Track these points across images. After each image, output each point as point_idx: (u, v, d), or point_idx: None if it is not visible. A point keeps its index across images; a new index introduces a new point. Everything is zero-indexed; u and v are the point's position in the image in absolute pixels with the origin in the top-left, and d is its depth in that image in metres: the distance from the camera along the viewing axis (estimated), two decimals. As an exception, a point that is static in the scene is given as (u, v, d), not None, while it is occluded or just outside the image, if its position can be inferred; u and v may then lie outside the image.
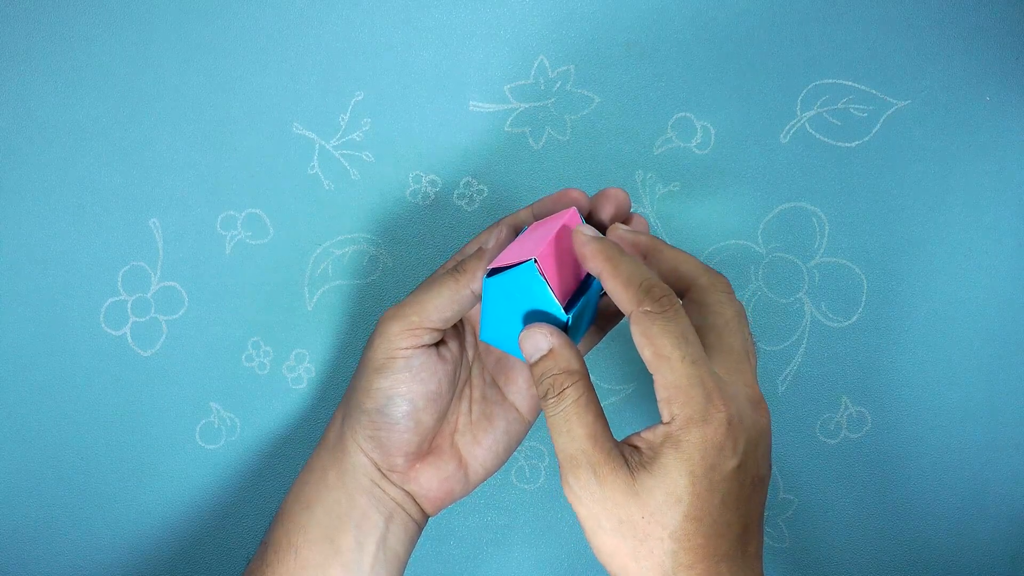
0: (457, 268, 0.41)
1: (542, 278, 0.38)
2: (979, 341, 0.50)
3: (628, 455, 0.35)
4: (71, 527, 0.49)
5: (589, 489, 0.35)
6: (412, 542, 0.43)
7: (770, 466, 0.37)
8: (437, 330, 0.41)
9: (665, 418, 0.34)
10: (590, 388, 0.37)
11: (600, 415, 0.36)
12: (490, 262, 0.40)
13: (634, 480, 0.34)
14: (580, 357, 0.37)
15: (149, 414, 0.49)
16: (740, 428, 0.34)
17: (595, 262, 0.37)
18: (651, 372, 0.35)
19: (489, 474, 0.44)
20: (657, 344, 0.34)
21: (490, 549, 0.50)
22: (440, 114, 0.48)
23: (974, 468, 0.50)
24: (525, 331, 0.38)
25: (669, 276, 0.39)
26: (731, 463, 0.34)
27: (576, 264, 0.41)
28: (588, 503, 0.35)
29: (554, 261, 0.39)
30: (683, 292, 0.38)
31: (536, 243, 0.39)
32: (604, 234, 0.42)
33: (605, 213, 0.42)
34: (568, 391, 0.36)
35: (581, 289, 0.41)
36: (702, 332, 0.37)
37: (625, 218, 0.43)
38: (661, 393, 0.34)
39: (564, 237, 0.39)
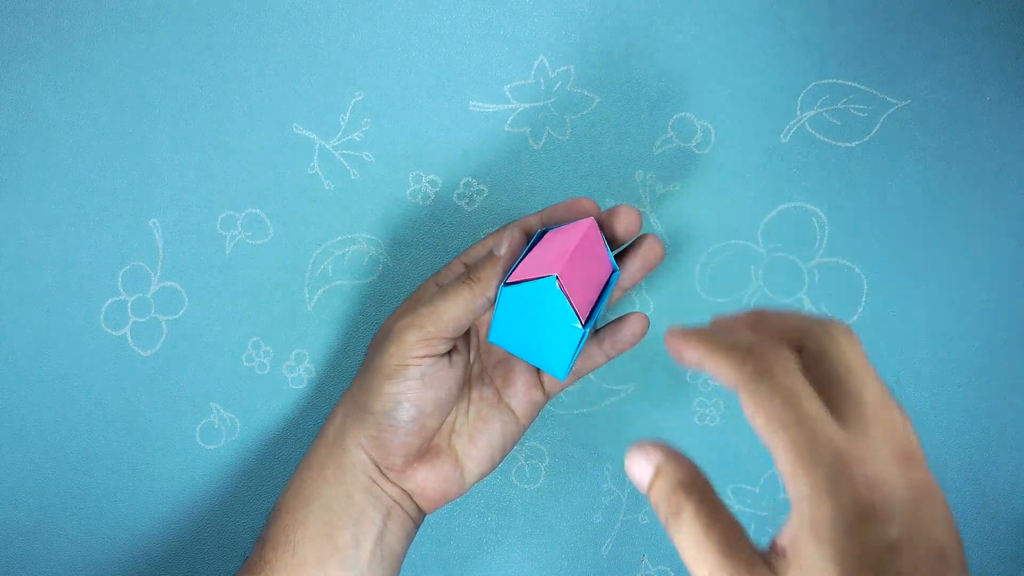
0: (471, 276, 0.40)
1: (563, 294, 0.38)
2: (979, 341, 0.50)
3: (773, 560, 0.29)
4: (70, 527, 0.49)
5: None
6: (409, 539, 0.44)
7: (956, 536, 0.30)
8: (451, 339, 0.41)
9: (793, 499, 0.29)
10: (711, 495, 0.31)
11: (732, 523, 0.30)
12: (504, 269, 0.40)
13: None
14: (691, 463, 0.32)
15: (149, 414, 0.49)
16: (886, 489, 0.28)
17: (692, 352, 0.33)
18: (767, 448, 0.30)
19: (484, 475, 0.44)
20: (767, 408, 0.29)
21: (490, 549, 0.50)
22: (440, 114, 0.48)
23: (974, 468, 0.50)
24: (628, 458, 0.33)
25: (780, 338, 0.33)
26: (887, 534, 0.28)
27: (595, 276, 0.41)
28: None
29: (574, 275, 0.39)
30: (798, 351, 0.33)
31: (556, 256, 0.39)
32: (611, 247, 0.42)
33: (616, 230, 0.42)
34: (685, 507, 0.31)
35: (599, 300, 0.41)
36: (824, 387, 0.31)
37: (636, 237, 0.43)
38: (783, 468, 0.29)
39: (584, 250, 0.40)
